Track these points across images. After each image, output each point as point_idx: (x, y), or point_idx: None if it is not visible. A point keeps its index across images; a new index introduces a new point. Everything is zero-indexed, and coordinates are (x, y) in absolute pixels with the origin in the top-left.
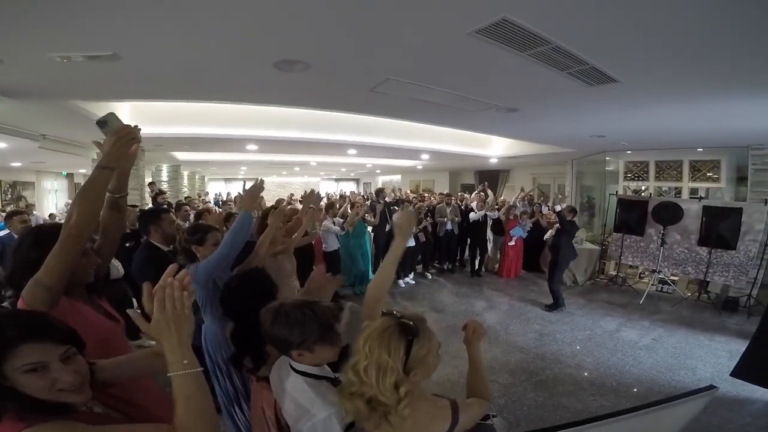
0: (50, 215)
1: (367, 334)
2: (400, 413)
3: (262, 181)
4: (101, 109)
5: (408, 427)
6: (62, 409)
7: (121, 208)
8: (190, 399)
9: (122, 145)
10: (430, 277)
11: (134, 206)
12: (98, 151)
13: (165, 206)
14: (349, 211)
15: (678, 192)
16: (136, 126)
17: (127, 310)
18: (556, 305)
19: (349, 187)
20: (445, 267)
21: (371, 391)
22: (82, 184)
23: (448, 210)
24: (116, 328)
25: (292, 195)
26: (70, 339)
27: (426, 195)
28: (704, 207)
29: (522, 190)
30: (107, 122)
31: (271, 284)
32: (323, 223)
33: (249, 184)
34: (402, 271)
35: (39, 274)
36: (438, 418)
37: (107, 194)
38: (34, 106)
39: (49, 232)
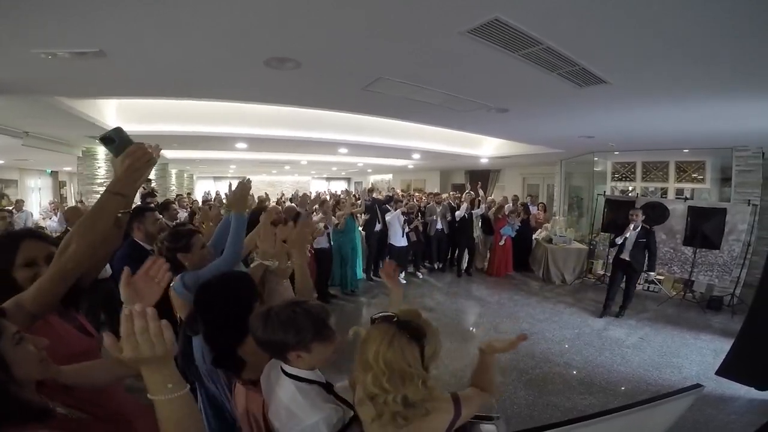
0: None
1: (375, 349)
2: (428, 406)
3: (248, 181)
4: (87, 106)
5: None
6: (43, 415)
7: (122, 224)
8: (178, 424)
9: (138, 170)
10: (420, 276)
11: None
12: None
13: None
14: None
15: (664, 192)
16: (157, 145)
17: (103, 333)
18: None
19: (339, 186)
20: (436, 266)
21: (397, 394)
22: (86, 205)
23: (438, 209)
24: (91, 342)
25: (282, 194)
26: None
27: (415, 194)
28: (689, 207)
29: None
30: (114, 140)
31: (254, 290)
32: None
33: (235, 185)
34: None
35: (26, 297)
36: (441, 410)
37: None
38: (17, 102)
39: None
